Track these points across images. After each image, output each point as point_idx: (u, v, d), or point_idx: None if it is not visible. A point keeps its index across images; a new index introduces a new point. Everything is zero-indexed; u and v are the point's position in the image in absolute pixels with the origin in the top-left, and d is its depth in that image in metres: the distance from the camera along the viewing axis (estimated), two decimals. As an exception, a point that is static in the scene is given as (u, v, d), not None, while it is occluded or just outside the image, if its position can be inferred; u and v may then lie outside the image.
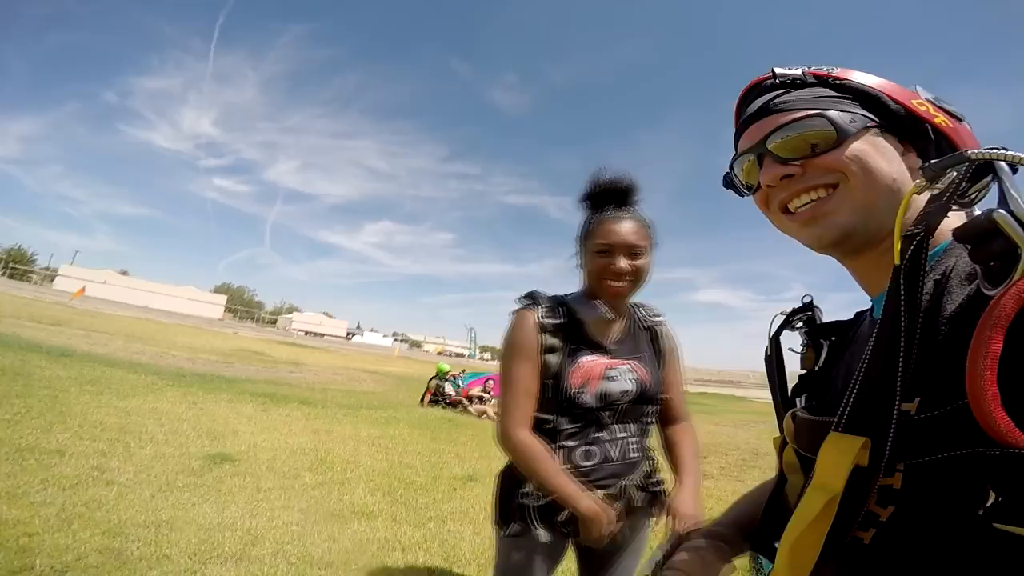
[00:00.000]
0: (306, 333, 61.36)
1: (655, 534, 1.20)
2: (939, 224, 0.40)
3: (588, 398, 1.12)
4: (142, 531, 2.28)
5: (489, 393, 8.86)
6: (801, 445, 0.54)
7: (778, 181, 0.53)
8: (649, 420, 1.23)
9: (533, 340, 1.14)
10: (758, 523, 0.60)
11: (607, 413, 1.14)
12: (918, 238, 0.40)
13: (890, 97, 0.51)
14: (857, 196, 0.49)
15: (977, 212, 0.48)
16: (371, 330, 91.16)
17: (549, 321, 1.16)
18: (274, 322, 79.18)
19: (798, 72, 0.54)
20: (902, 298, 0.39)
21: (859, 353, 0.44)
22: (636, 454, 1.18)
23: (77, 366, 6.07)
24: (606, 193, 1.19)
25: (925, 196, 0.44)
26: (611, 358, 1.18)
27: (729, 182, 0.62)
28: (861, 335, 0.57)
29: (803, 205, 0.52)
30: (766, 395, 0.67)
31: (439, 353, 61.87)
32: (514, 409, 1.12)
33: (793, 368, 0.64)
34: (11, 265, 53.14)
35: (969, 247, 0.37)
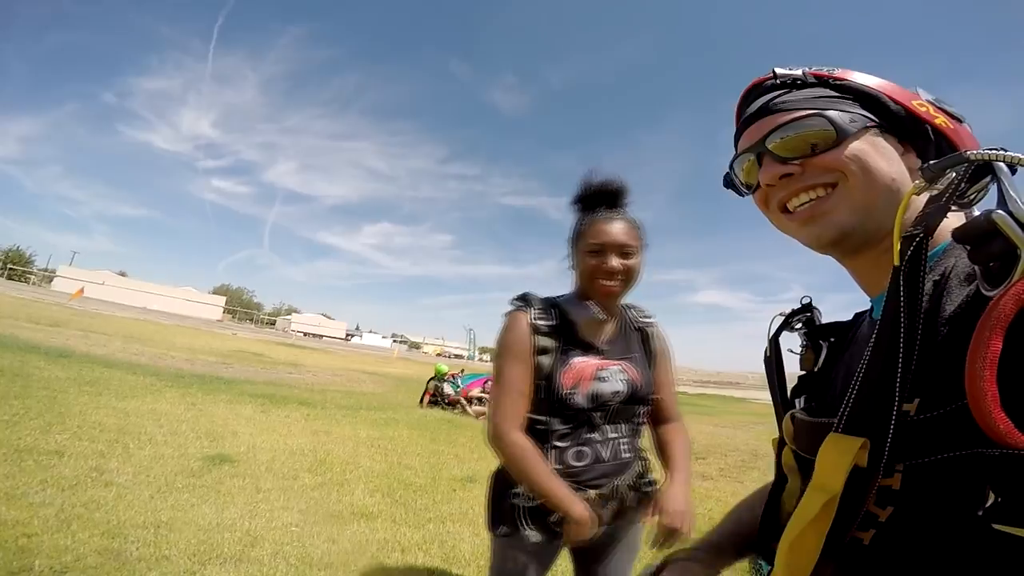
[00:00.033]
0: (305, 334, 61.21)
1: (646, 531, 1.21)
2: (938, 225, 0.40)
3: (580, 399, 1.12)
4: (141, 532, 2.28)
5: (488, 394, 8.85)
6: (800, 446, 0.54)
7: (777, 180, 0.53)
8: (640, 421, 1.23)
9: (526, 341, 1.14)
10: (755, 529, 0.60)
11: (598, 414, 1.15)
12: (918, 239, 0.40)
13: (890, 98, 0.51)
14: (856, 196, 0.49)
15: (976, 213, 0.48)
16: (370, 331, 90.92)
17: (542, 322, 1.16)
18: (273, 323, 79.03)
19: (798, 72, 0.54)
20: (902, 299, 0.39)
21: (858, 354, 0.44)
22: (628, 455, 1.18)
23: (76, 367, 6.05)
24: (597, 195, 1.20)
25: (924, 197, 0.44)
26: (603, 359, 1.18)
27: (729, 182, 0.62)
28: (860, 336, 0.57)
29: (802, 204, 0.52)
30: (765, 396, 0.67)
31: (438, 354, 61.90)
32: (506, 410, 1.12)
33: (792, 369, 0.64)
34: (9, 266, 53.04)
35: (968, 248, 0.37)
